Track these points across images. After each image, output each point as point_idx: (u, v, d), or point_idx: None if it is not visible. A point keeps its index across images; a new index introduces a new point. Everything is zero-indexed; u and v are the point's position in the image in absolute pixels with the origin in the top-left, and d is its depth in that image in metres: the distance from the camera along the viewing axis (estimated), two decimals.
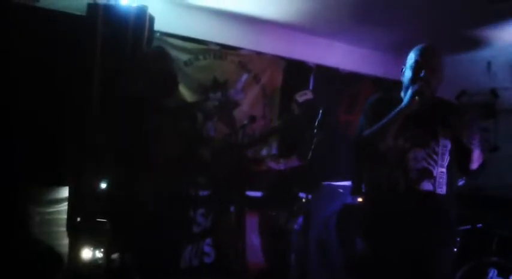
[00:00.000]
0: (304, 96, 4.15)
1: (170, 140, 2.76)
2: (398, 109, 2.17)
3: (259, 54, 4.88)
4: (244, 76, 4.83)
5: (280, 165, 4.12)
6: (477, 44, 4.84)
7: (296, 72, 5.12)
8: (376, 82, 5.68)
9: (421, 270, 2.19)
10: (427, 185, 2.20)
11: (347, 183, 3.93)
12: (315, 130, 3.63)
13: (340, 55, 5.35)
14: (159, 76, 2.79)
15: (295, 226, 3.91)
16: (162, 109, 2.77)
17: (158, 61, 2.84)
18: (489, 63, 4.85)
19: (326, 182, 4.07)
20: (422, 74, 2.16)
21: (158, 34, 4.11)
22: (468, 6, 3.83)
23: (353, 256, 4.34)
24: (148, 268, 2.77)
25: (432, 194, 2.20)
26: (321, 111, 3.75)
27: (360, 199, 4.66)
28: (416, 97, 2.12)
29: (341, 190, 3.97)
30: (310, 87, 5.18)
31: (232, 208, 4.11)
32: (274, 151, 4.88)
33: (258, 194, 4.27)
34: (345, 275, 3.68)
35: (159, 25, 3.85)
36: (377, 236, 2.26)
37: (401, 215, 2.19)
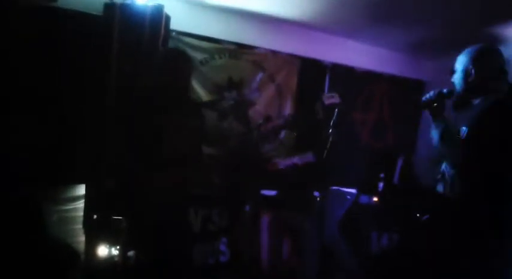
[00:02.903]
0: (331, 99, 4.09)
1: (178, 139, 2.77)
2: None
3: (274, 53, 4.86)
4: (260, 76, 4.81)
5: (294, 159, 4.09)
6: (495, 42, 4.76)
7: (312, 71, 5.09)
8: (392, 81, 5.64)
9: None
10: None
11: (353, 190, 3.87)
12: (330, 130, 3.61)
13: (356, 54, 5.31)
14: (172, 76, 2.80)
15: (309, 226, 3.89)
16: (171, 108, 2.78)
17: (173, 61, 2.84)
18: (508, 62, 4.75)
19: (334, 187, 4.02)
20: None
21: (174, 33, 4.13)
22: (489, 3, 3.75)
23: (368, 255, 4.35)
24: (162, 266, 2.79)
25: None
26: (336, 110, 3.73)
27: (375, 199, 4.65)
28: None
29: (348, 197, 3.90)
30: (326, 86, 5.16)
31: (247, 207, 4.11)
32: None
33: (272, 193, 4.26)
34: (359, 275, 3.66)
35: (175, 24, 3.87)
36: None
37: None
